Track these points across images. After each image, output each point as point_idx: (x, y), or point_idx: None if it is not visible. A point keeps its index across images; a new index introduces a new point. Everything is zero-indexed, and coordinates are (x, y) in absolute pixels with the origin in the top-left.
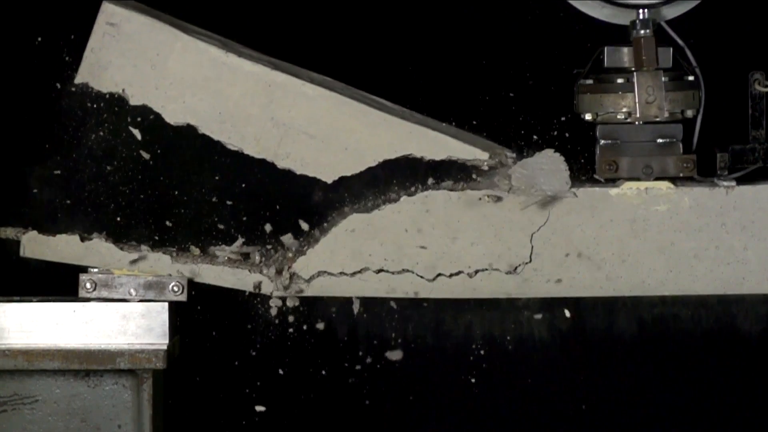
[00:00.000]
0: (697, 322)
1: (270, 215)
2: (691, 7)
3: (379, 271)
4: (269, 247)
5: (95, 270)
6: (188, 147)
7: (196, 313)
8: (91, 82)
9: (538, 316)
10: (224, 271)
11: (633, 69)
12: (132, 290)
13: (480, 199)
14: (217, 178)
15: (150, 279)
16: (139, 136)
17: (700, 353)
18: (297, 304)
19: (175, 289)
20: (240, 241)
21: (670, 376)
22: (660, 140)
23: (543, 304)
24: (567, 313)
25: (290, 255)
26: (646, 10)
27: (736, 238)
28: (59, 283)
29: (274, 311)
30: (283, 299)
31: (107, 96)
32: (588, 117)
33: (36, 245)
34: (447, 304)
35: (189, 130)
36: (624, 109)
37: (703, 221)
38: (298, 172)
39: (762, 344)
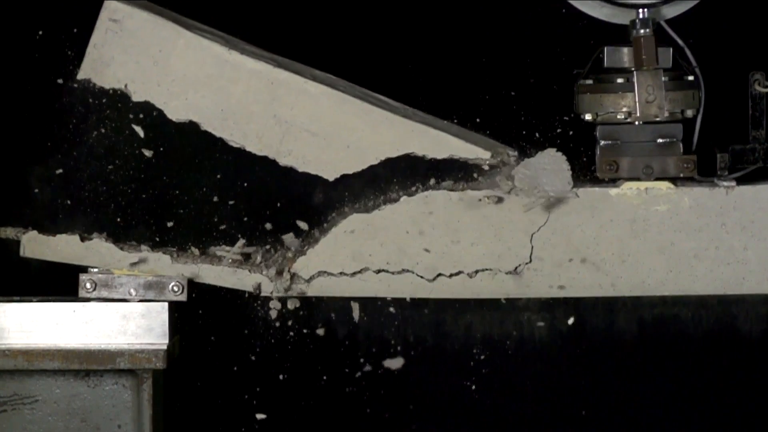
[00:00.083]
0: (697, 323)
1: (271, 215)
2: (690, 7)
3: (379, 271)
4: (269, 247)
5: (95, 270)
6: (190, 145)
7: (197, 317)
8: (94, 78)
9: (541, 324)
10: (224, 271)
11: (633, 69)
12: (132, 290)
13: (480, 200)
14: (218, 176)
15: (150, 279)
16: (141, 134)
17: (700, 354)
18: (297, 305)
19: (175, 289)
20: (241, 241)
21: (671, 377)
22: (660, 140)
23: (544, 307)
24: (570, 321)
25: (290, 255)
26: (645, 10)
27: (736, 238)
28: (59, 283)
29: (274, 314)
30: (284, 302)
31: (110, 92)
32: (588, 117)
33: (36, 245)
34: (447, 308)
35: (191, 127)
36: (624, 109)
37: (703, 221)
38: (299, 170)
39: (762, 345)
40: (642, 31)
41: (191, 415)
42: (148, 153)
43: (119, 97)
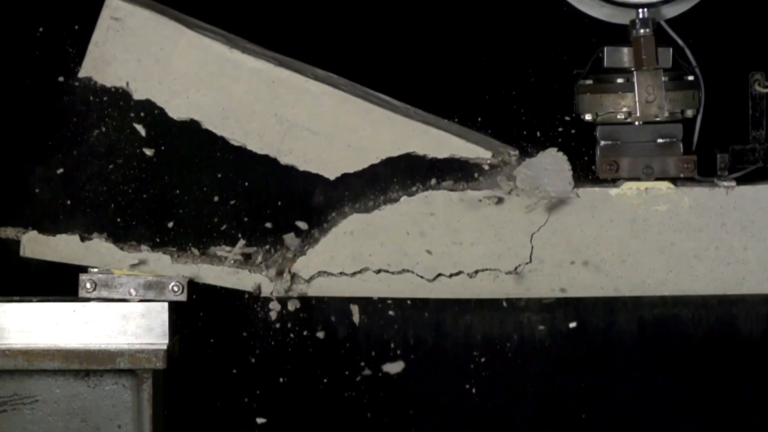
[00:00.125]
0: (697, 323)
1: (271, 215)
2: (690, 7)
3: (379, 271)
4: (269, 247)
5: (95, 270)
6: (190, 143)
7: (197, 317)
8: (95, 76)
9: (542, 328)
10: (224, 271)
11: (633, 69)
12: (132, 290)
13: (480, 200)
14: (219, 176)
15: (150, 279)
16: (143, 132)
17: (700, 354)
18: (298, 306)
19: (175, 289)
20: (241, 242)
21: (671, 377)
22: (660, 140)
23: (544, 308)
24: (573, 324)
25: (290, 256)
26: (645, 10)
27: (736, 238)
28: (59, 283)
29: (274, 315)
30: (284, 303)
31: (111, 90)
32: (588, 117)
33: (36, 245)
34: (447, 311)
35: (192, 126)
36: (624, 109)
37: (703, 221)
38: (300, 169)
39: (763, 345)
40: (642, 31)
41: (191, 415)
42: (149, 152)
43: (120, 96)
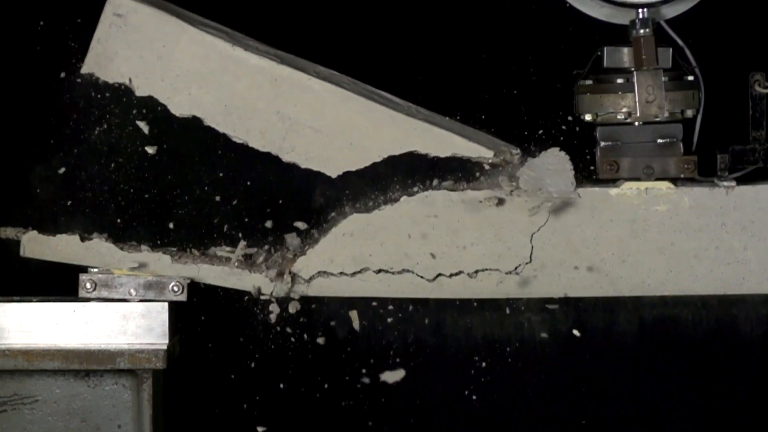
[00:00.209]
0: (697, 324)
1: (272, 215)
2: (690, 7)
3: (379, 271)
4: (269, 247)
5: (95, 270)
6: (192, 141)
7: (197, 319)
8: (98, 72)
9: (544, 335)
10: (224, 271)
11: (633, 69)
12: (132, 290)
13: (481, 201)
14: (220, 175)
15: (150, 279)
16: (145, 130)
17: (701, 354)
18: (298, 308)
19: (175, 289)
20: (242, 243)
21: (672, 377)
22: (660, 140)
23: (544, 308)
24: (576, 333)
25: (290, 256)
26: (645, 10)
27: (736, 238)
28: (59, 283)
29: (273, 317)
30: (284, 306)
31: (113, 87)
32: (588, 118)
33: (36, 245)
34: (447, 314)
35: (194, 123)
36: (624, 109)
37: (703, 221)
38: (302, 166)
39: (763, 345)
40: (642, 31)
41: (191, 415)
42: (151, 150)
43: (123, 92)
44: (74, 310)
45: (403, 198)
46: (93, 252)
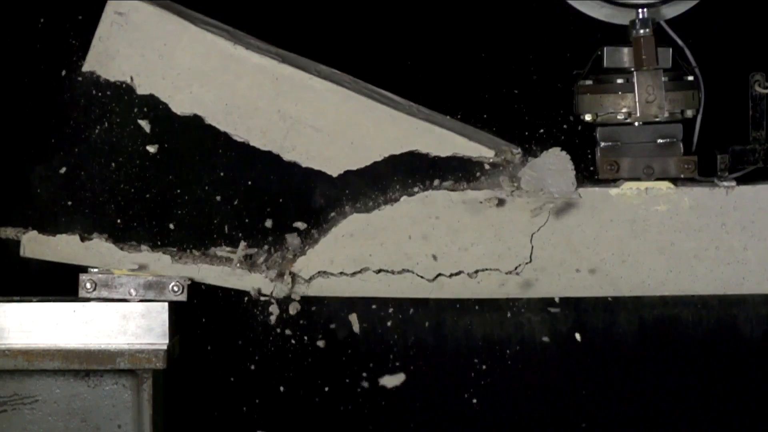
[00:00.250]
0: (698, 324)
1: (272, 215)
2: (690, 7)
3: (379, 271)
4: (269, 247)
5: (95, 270)
6: (193, 140)
7: (197, 321)
8: (99, 70)
9: (548, 344)
10: (224, 271)
11: (633, 69)
12: (132, 290)
13: (481, 202)
14: (221, 174)
15: (150, 279)
16: (146, 128)
17: (701, 355)
18: (298, 309)
19: (175, 289)
20: (243, 244)
21: (672, 378)
22: (660, 140)
23: (544, 309)
24: (578, 337)
25: (290, 257)
26: (645, 10)
27: (736, 238)
28: (59, 283)
29: (273, 319)
30: (284, 307)
31: (115, 85)
32: (588, 118)
33: (36, 245)
34: (449, 317)
35: (195, 121)
36: (624, 110)
37: (703, 221)
38: (303, 165)
39: (763, 346)
40: (642, 31)
41: (191, 416)
42: (152, 149)
43: (124, 91)
44: (74, 310)
45: (403, 198)
46: (93, 252)
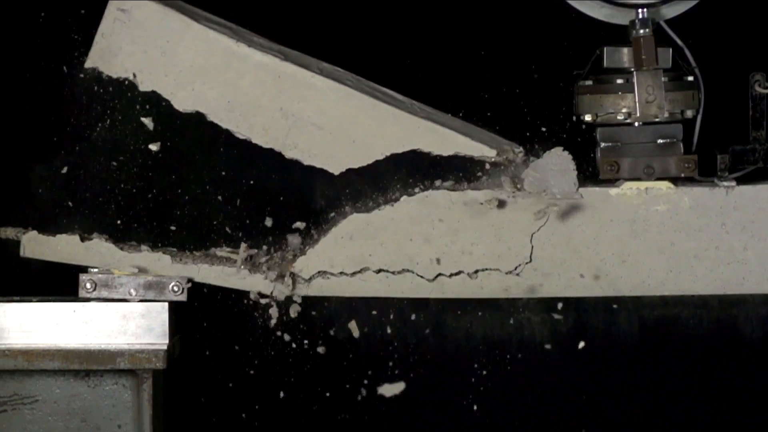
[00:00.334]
0: (698, 324)
1: (273, 215)
2: (690, 7)
3: (379, 271)
4: (269, 247)
5: (95, 270)
6: (195, 137)
7: (198, 325)
8: (101, 66)
9: (548, 346)
10: (224, 271)
11: (633, 69)
12: (132, 290)
13: (482, 203)
14: (222, 173)
15: (150, 279)
16: (149, 126)
17: (701, 355)
18: (299, 310)
19: (175, 289)
20: (244, 245)
21: (672, 378)
22: (660, 141)
23: (545, 309)
24: (581, 344)
25: (290, 257)
26: (645, 10)
27: (736, 238)
28: (59, 283)
29: (273, 322)
30: (285, 309)
31: (117, 81)
32: (588, 118)
33: (36, 245)
34: (449, 323)
35: (197, 118)
36: (624, 110)
37: (703, 221)
38: (305, 163)
39: (764, 346)
40: (641, 31)
41: (191, 416)
42: (154, 147)
43: (126, 87)
44: (74, 310)
45: (404, 198)
46: (93, 252)
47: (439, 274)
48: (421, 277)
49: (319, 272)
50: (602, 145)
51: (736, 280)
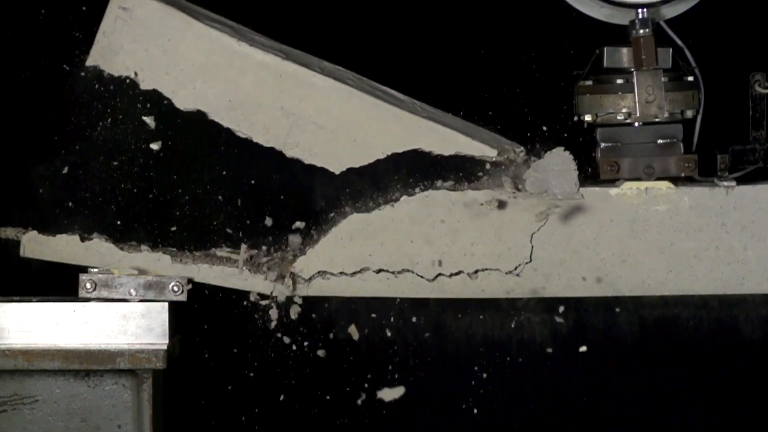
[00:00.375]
0: (698, 324)
1: (273, 215)
2: (690, 7)
3: (379, 271)
4: (269, 248)
5: (95, 270)
6: (196, 136)
7: (198, 326)
8: (102, 65)
9: (550, 350)
10: (224, 271)
11: (632, 69)
12: (132, 290)
13: (482, 204)
14: (223, 173)
15: (150, 279)
16: (151, 124)
17: (701, 355)
18: (299, 312)
19: (175, 289)
20: (244, 247)
21: (673, 378)
22: (660, 141)
23: (545, 309)
24: (583, 348)
25: (290, 258)
26: (645, 10)
27: (736, 238)
28: (59, 283)
29: (273, 324)
30: (285, 310)
31: (118, 79)
32: (588, 118)
33: (36, 245)
34: (449, 323)
35: (198, 117)
36: (624, 110)
37: (703, 221)
38: (306, 162)
39: (764, 346)
40: (641, 31)
41: (191, 416)
42: (155, 146)
43: (127, 86)
44: (74, 310)
45: (404, 198)
46: (93, 252)
47: (439, 274)
48: (421, 277)
49: (319, 272)
50: (602, 145)
51: (736, 280)
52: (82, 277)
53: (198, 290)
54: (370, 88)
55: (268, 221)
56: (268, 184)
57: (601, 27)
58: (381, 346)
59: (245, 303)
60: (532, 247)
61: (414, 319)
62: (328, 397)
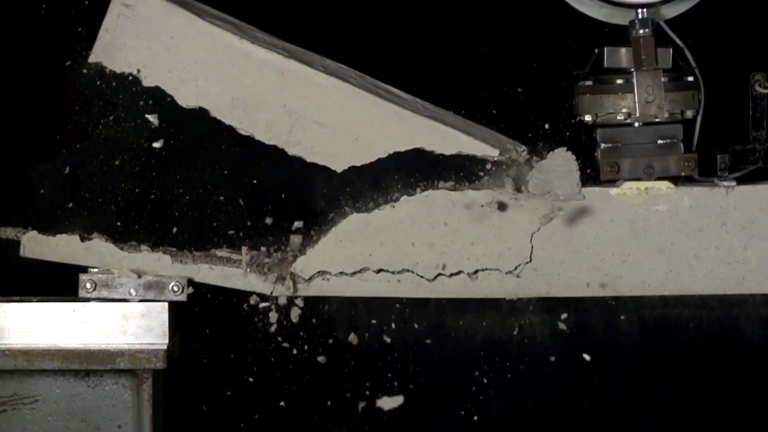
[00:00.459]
0: (698, 324)
1: (274, 215)
2: (690, 7)
3: (379, 271)
4: (268, 248)
5: (95, 270)
6: (198, 134)
7: (198, 326)
8: (105, 61)
9: (552, 358)
10: (224, 272)
11: (632, 69)
12: (132, 290)
13: (483, 206)
14: (225, 172)
15: (150, 279)
16: (154, 122)
17: (701, 355)
18: (299, 313)
19: (175, 289)
20: (245, 248)
21: (673, 378)
22: (660, 141)
23: (545, 309)
24: (587, 357)
25: (290, 258)
26: (645, 10)
27: (736, 238)
28: (59, 283)
29: (273, 328)
30: (286, 313)
31: (120, 76)
32: (588, 118)
33: (36, 245)
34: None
35: (200, 114)
36: (624, 110)
37: (703, 221)
38: (308, 160)
39: (764, 347)
40: (641, 31)
41: (191, 416)
42: (157, 144)
43: (130, 83)
44: (74, 310)
45: (404, 198)
46: (93, 252)
47: (439, 274)
48: (421, 277)
49: (319, 272)
50: (602, 146)
51: (736, 280)
52: (82, 277)
53: (198, 293)
54: (372, 86)
55: (269, 221)
56: (269, 183)
57: (601, 27)
58: (381, 351)
59: (245, 306)
60: (532, 247)
61: (415, 325)
62: (328, 403)
